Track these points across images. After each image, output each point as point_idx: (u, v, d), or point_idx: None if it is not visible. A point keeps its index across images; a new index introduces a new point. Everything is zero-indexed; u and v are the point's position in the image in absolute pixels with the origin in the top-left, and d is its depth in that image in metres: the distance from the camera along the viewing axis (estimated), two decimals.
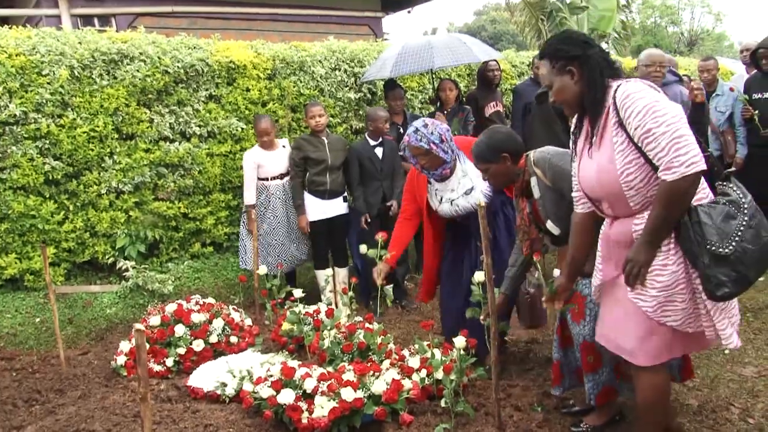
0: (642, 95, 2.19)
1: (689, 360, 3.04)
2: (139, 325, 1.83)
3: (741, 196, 2.24)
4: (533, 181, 3.02)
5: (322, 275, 5.26)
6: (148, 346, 4.00)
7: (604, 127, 2.32)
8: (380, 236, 3.78)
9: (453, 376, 3.02)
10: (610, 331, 2.48)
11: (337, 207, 5.39)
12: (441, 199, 3.71)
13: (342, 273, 5.49)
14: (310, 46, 6.62)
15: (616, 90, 2.27)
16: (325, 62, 6.47)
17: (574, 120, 2.54)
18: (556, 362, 3.11)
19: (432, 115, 5.94)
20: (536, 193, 3.00)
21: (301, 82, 6.27)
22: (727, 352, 3.80)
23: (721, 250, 2.13)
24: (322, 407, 2.98)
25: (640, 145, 2.18)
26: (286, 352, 4.05)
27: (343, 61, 6.63)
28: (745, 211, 2.19)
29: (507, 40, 34.85)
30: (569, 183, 2.65)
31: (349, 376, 3.12)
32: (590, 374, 2.91)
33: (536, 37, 14.15)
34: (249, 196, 5.30)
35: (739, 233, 2.15)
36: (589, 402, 2.96)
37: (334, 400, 3.00)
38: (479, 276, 3.08)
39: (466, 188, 3.65)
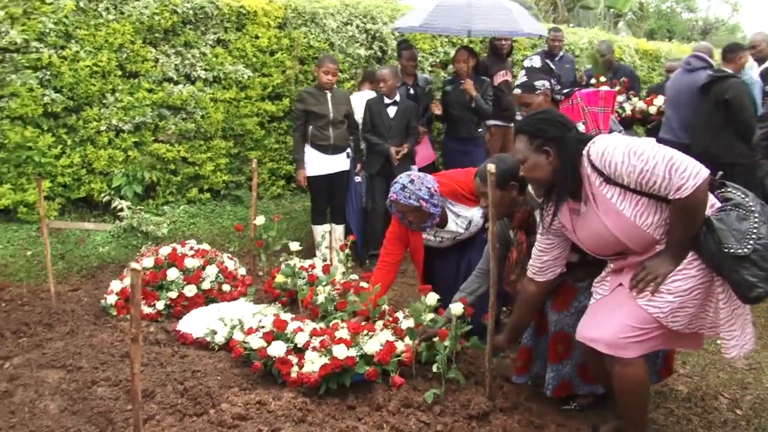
0: (614, 146, 2.24)
1: (672, 359, 3.03)
2: (135, 265, 1.78)
3: (743, 196, 2.29)
4: (538, 214, 2.82)
5: (319, 231, 5.22)
6: None
7: (591, 191, 2.34)
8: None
9: (447, 343, 3.00)
10: (595, 329, 2.42)
11: (339, 163, 5.31)
12: (441, 239, 3.66)
13: (339, 230, 5.44)
14: None
15: (588, 154, 2.30)
16: (337, 15, 6.32)
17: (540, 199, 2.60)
18: (525, 348, 3.04)
19: (446, 83, 5.79)
20: None
21: (311, 33, 6.12)
22: (719, 342, 3.79)
23: (740, 251, 2.15)
24: (313, 362, 2.96)
25: (638, 188, 2.21)
26: (278, 305, 4.02)
27: (355, 16, 6.47)
28: (753, 209, 2.23)
29: None
30: None
31: (343, 333, 3.09)
32: (555, 365, 2.88)
33: (552, 9, 13.89)
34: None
35: (754, 231, 2.18)
36: (546, 392, 2.93)
37: (325, 356, 2.97)
38: (457, 309, 2.95)
39: (465, 225, 3.61)
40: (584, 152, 2.32)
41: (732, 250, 2.15)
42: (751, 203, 2.25)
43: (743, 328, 2.30)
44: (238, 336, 3.31)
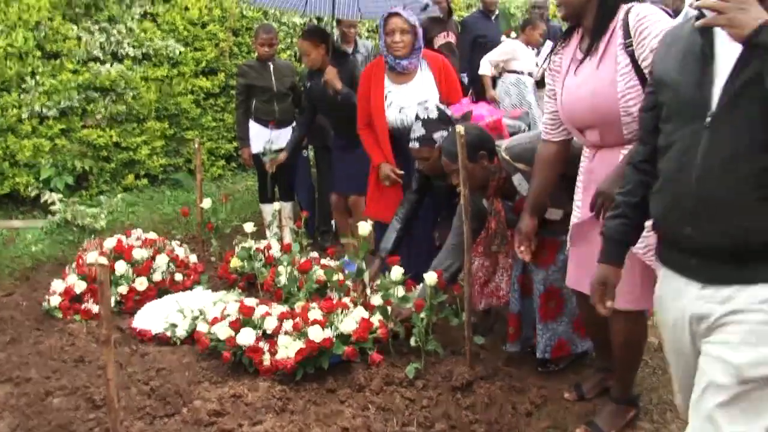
0: (658, 18, 2.10)
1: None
2: (102, 259, 1.58)
3: None
4: (517, 178, 2.77)
5: (269, 210, 5.00)
6: (85, 285, 3.69)
7: (607, 47, 2.18)
8: None
9: (423, 314, 2.91)
10: (586, 274, 2.36)
11: (285, 138, 5.08)
12: (391, 104, 3.58)
13: (288, 207, 5.24)
14: None
15: (628, 11, 2.15)
16: None
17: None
18: (515, 315, 2.98)
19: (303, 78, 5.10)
20: (524, 190, 2.74)
21: (244, 2, 5.83)
22: None
23: None
24: (287, 347, 2.82)
25: (646, 71, 2.06)
26: (238, 290, 3.84)
27: None
28: None
29: None
30: None
31: (316, 314, 2.95)
32: (549, 323, 2.83)
33: None
34: None
35: None
36: (543, 354, 2.89)
37: (299, 339, 2.83)
38: (431, 279, 2.89)
39: (420, 98, 3.48)
40: (625, 8, 2.17)
41: None
42: None
43: None
44: (202, 327, 3.12)
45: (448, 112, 3.20)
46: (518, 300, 2.96)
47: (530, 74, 6.20)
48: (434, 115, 3.13)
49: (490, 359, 3.06)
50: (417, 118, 3.17)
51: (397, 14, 3.50)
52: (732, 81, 1.44)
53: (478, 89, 6.44)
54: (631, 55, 2.12)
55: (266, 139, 4.96)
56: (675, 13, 6.96)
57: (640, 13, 2.13)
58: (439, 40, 6.12)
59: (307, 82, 4.55)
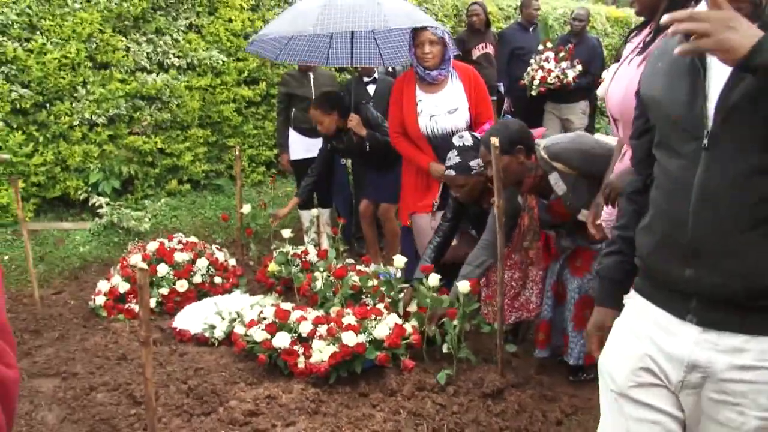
0: None
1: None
2: (141, 264, 1.67)
3: None
4: (554, 177, 2.74)
5: (307, 216, 5.10)
6: (128, 286, 3.82)
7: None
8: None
9: (456, 322, 2.93)
10: None
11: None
12: (421, 112, 3.64)
13: (326, 214, 5.32)
14: None
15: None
16: None
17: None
18: (546, 322, 2.99)
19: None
20: (560, 190, 2.74)
21: (269, 60, 5.93)
22: None
23: None
24: (321, 351, 2.87)
25: None
26: (275, 294, 3.92)
27: None
28: None
29: None
30: (601, 162, 2.44)
31: (350, 319, 3.00)
32: (583, 330, 2.82)
33: None
34: None
35: None
36: (577, 362, 2.89)
37: (333, 344, 2.89)
38: (464, 287, 2.91)
39: (450, 107, 3.59)
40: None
41: None
42: None
43: None
44: (239, 329, 3.21)
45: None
46: (551, 307, 2.97)
47: None
48: (470, 142, 3.18)
49: (521, 367, 3.07)
50: (453, 146, 3.21)
51: (424, 28, 3.56)
52: (728, 93, 1.23)
53: (514, 99, 6.45)
54: None
55: (304, 146, 5.05)
56: (581, 29, 6.55)
57: None
58: (477, 51, 6.17)
59: (326, 144, 4.49)
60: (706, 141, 1.26)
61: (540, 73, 5.97)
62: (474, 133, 3.28)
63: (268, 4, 5.89)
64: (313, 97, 4.95)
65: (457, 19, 7.53)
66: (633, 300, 1.51)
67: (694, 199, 1.28)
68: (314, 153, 5.10)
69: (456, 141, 3.22)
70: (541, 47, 6.20)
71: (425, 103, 3.66)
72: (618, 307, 1.58)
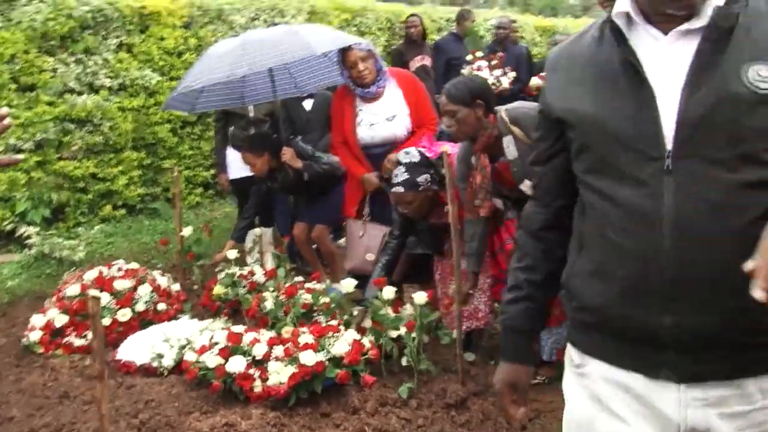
0: None
1: None
2: (94, 292, 1.56)
3: None
4: (507, 140, 2.77)
5: (250, 236, 4.98)
6: (66, 318, 3.61)
7: None
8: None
9: (414, 334, 2.91)
10: None
11: None
12: (361, 121, 3.68)
13: (268, 233, 5.21)
14: None
15: None
16: (244, 11, 6.14)
17: None
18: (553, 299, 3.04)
19: None
20: (511, 154, 2.76)
21: (219, 31, 5.87)
22: None
23: None
24: (279, 373, 2.78)
25: None
26: (224, 318, 3.79)
27: (262, 11, 6.29)
28: None
29: None
30: None
31: (307, 338, 2.92)
32: (553, 328, 2.87)
33: None
34: None
35: None
36: (551, 357, 2.92)
37: (291, 365, 2.80)
38: (420, 298, 2.92)
39: (389, 114, 3.64)
40: None
41: None
42: None
43: None
44: (190, 356, 3.07)
45: (429, 154, 3.22)
46: None
47: None
48: (417, 159, 3.15)
49: (481, 375, 3.06)
50: (399, 163, 3.18)
51: (350, 48, 3.58)
52: (691, 103, 1.04)
53: None
54: None
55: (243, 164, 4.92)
56: (506, 38, 6.82)
57: None
58: (415, 63, 6.23)
59: (261, 185, 4.38)
60: (669, 162, 1.05)
61: None
62: (421, 149, 3.27)
63: (201, 21, 5.79)
64: (251, 114, 4.87)
65: (391, 32, 7.60)
66: (585, 368, 1.25)
67: (669, 234, 1.05)
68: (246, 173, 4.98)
69: (403, 157, 3.19)
70: (469, 57, 6.33)
71: (365, 112, 3.71)
72: (530, 361, 1.41)
